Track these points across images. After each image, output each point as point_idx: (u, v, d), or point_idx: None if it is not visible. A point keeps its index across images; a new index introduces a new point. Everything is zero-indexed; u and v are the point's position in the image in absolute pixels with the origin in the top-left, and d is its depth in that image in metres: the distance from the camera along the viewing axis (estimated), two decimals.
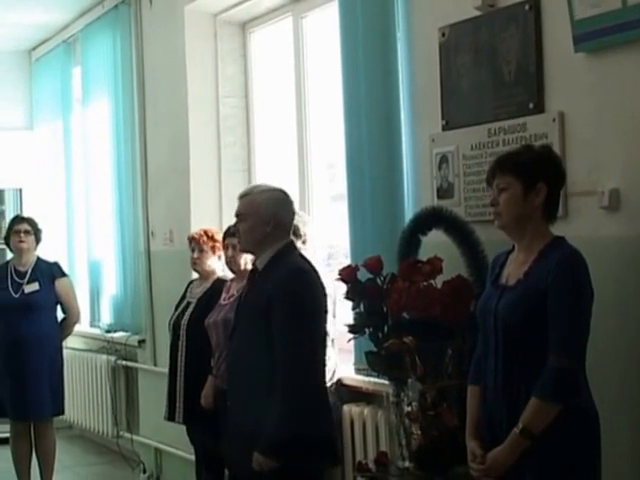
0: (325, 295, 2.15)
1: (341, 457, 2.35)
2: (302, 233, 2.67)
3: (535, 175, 1.69)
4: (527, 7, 2.08)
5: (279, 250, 2.11)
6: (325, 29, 3.07)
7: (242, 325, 2.14)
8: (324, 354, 2.14)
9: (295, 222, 2.66)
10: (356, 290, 2.17)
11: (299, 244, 2.67)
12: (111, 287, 4.29)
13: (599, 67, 1.92)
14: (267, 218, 2.11)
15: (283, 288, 2.04)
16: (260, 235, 2.11)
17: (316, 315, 2.09)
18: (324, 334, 2.14)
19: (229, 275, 2.89)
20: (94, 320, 4.46)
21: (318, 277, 2.14)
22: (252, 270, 2.22)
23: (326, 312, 2.17)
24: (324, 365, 2.15)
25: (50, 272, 3.56)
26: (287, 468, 2.00)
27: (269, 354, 2.02)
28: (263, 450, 1.99)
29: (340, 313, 2.64)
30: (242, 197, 2.19)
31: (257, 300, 2.09)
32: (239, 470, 2.16)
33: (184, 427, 3.01)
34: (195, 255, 2.99)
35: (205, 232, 2.99)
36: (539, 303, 1.64)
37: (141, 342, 4.01)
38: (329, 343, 2.64)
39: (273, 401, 1.98)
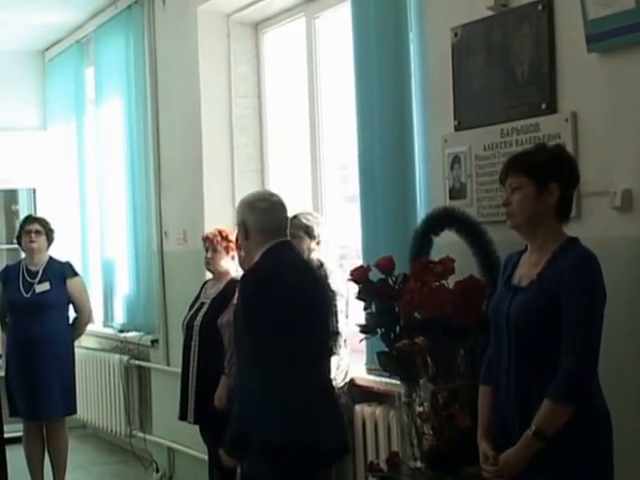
0: (286, 296, 2.01)
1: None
2: (316, 234, 2.67)
3: (548, 175, 1.68)
4: (540, 7, 2.07)
5: (263, 252, 2.09)
6: (338, 29, 3.07)
7: (236, 330, 2.16)
8: (285, 354, 1.99)
9: (310, 223, 2.66)
10: (368, 290, 2.17)
11: (313, 245, 2.67)
12: (124, 287, 4.31)
13: (612, 67, 1.92)
14: (239, 225, 2.16)
15: (239, 288, 2.11)
16: (243, 243, 2.16)
17: (266, 310, 1.98)
18: (279, 328, 2.00)
19: None
20: (107, 320, 4.49)
21: (279, 278, 2.02)
22: None
23: (277, 306, 2.00)
24: (284, 366, 1.99)
25: (62, 272, 3.58)
26: (284, 470, 2.00)
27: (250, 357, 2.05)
28: (223, 446, 2.08)
29: (352, 313, 2.64)
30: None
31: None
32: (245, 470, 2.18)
33: (197, 427, 3.02)
34: (209, 255, 3.00)
35: (219, 232, 3.00)
36: (552, 304, 1.63)
37: (154, 342, 4.02)
38: (342, 343, 2.65)
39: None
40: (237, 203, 2.25)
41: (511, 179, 1.72)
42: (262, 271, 2.08)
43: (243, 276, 2.15)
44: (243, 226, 2.12)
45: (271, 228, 2.11)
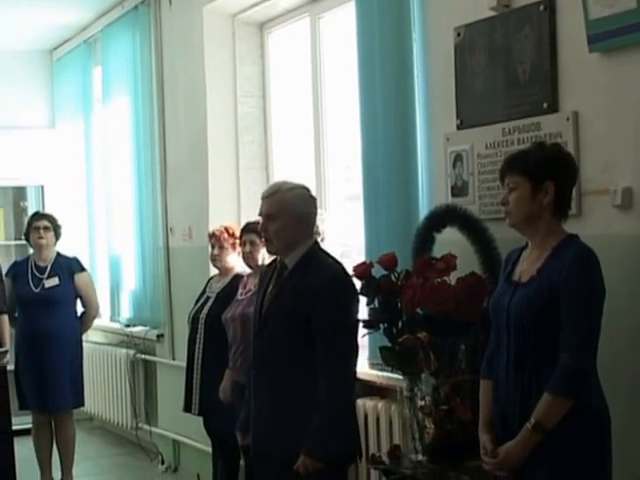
0: (358, 299, 2.14)
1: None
2: (320, 231, 2.70)
3: (543, 174, 1.70)
4: (542, 7, 2.09)
5: (309, 249, 2.09)
6: (342, 29, 3.10)
7: (275, 323, 2.08)
8: (358, 356, 2.14)
9: None
10: (371, 286, 2.20)
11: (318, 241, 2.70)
12: (131, 282, 4.35)
13: (613, 67, 1.94)
14: (299, 216, 2.05)
15: (330, 292, 2.01)
16: (292, 234, 2.04)
17: (356, 318, 2.10)
18: (357, 336, 2.15)
19: (247, 271, 2.94)
20: (114, 314, 4.52)
21: (352, 280, 2.15)
22: (279, 267, 2.15)
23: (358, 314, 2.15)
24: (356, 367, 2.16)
25: (69, 267, 3.63)
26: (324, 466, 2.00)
27: (307, 351, 2.01)
28: (310, 453, 1.98)
29: None
30: (270, 196, 2.08)
31: (294, 299, 2.04)
32: (268, 463, 2.12)
33: (201, 419, 3.06)
34: (215, 252, 3.03)
35: (225, 229, 3.03)
36: (551, 300, 1.65)
37: (160, 336, 4.06)
38: None
39: (319, 404, 1.98)
40: (284, 193, 2.07)
41: (508, 178, 1.75)
42: (347, 272, 2.10)
43: (336, 279, 2.04)
44: (304, 218, 2.06)
45: (314, 225, 2.16)
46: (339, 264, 2.13)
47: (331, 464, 2.01)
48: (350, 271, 2.26)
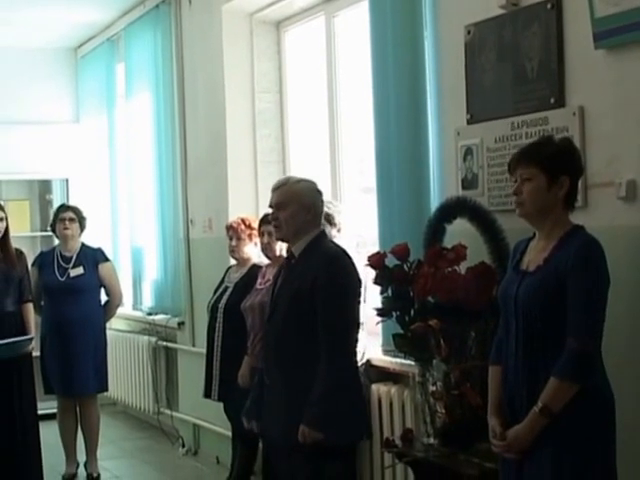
0: (360, 279, 2.24)
1: (371, 431, 2.48)
2: (337, 222, 2.77)
3: (559, 168, 1.74)
4: (549, 6, 2.14)
5: (314, 238, 2.19)
6: (356, 27, 3.15)
7: (282, 308, 2.21)
8: (358, 333, 2.24)
9: (331, 212, 2.76)
10: (384, 275, 2.26)
11: (334, 232, 2.76)
12: (152, 272, 4.44)
13: (618, 63, 1.98)
14: (308, 205, 2.19)
15: (327, 272, 2.12)
16: (301, 222, 2.19)
17: (355, 297, 2.19)
18: (358, 315, 2.24)
19: (265, 261, 3.02)
20: (136, 303, 4.62)
21: (354, 263, 2.24)
22: (287, 257, 2.29)
23: (360, 295, 2.25)
24: (357, 344, 2.26)
25: (94, 257, 3.71)
26: (326, 441, 2.09)
27: (311, 334, 2.11)
28: (309, 422, 2.07)
29: (369, 297, 2.75)
30: (279, 187, 2.25)
31: (298, 284, 2.16)
32: (278, 444, 2.24)
33: (221, 404, 3.15)
34: (233, 243, 3.12)
35: (242, 220, 3.12)
36: (558, 288, 1.70)
37: (181, 324, 4.16)
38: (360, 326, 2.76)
39: (318, 377, 2.08)
40: (293, 185, 2.23)
41: (522, 170, 1.77)
42: (349, 257, 2.19)
43: (334, 260, 2.14)
44: (312, 208, 2.19)
45: (321, 216, 2.26)
46: (339, 249, 2.22)
47: (332, 440, 2.08)
48: (364, 261, 2.34)
